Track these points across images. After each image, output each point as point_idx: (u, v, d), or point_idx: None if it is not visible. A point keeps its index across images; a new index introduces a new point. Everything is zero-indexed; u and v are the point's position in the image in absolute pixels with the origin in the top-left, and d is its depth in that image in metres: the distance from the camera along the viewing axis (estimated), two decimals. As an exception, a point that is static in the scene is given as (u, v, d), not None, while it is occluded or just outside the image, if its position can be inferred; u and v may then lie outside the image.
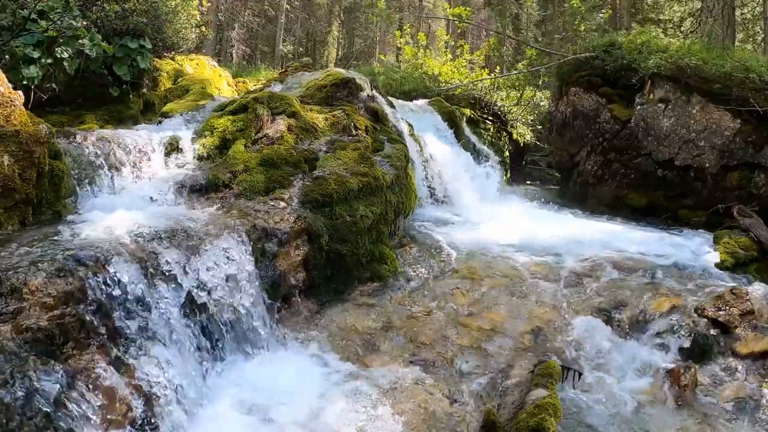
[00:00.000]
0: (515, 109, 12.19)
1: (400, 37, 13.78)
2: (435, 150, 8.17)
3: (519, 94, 12.30)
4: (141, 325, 3.21)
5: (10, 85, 3.89)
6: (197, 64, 9.60)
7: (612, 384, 3.89)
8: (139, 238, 3.62)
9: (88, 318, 2.93)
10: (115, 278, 3.17)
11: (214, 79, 9.50)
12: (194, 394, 3.33)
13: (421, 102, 10.61)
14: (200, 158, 5.38)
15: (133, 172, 4.95)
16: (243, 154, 5.27)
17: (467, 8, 13.75)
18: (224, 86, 9.86)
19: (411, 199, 6.48)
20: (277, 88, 7.54)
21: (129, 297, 3.20)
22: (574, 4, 13.20)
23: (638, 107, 8.31)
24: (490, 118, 11.75)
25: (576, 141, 9.34)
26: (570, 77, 9.48)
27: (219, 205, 4.66)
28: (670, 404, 3.72)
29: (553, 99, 10.94)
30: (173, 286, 3.51)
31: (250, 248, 4.19)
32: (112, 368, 2.93)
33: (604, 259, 5.70)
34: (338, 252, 4.84)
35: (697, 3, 14.20)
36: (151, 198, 4.67)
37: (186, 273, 3.62)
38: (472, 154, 9.57)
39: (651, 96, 8.17)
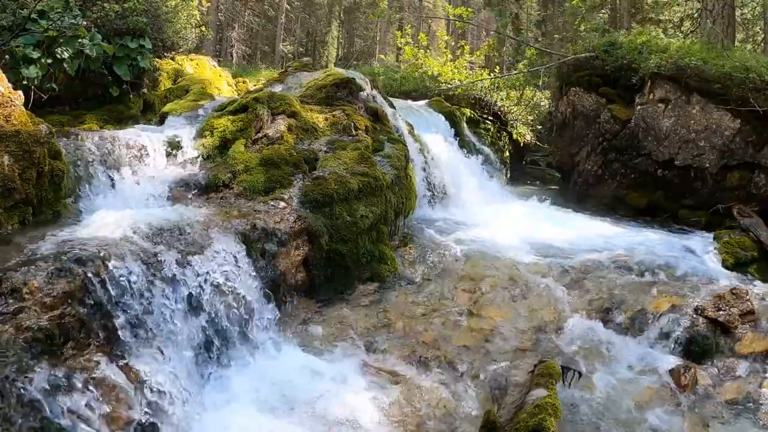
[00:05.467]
0: (515, 109, 12.19)
1: (401, 37, 13.76)
2: (435, 150, 8.16)
3: (519, 94, 12.29)
4: (141, 325, 3.21)
5: (10, 85, 3.89)
6: (197, 64, 9.60)
7: (612, 384, 3.89)
8: (139, 239, 3.62)
9: (88, 318, 2.93)
10: (115, 278, 3.17)
11: (214, 79, 9.50)
12: (195, 394, 3.32)
13: (421, 102, 10.60)
14: (200, 158, 5.37)
15: (133, 172, 4.95)
16: (243, 154, 5.27)
17: (468, 8, 13.75)
18: (224, 86, 9.87)
19: (411, 199, 6.48)
20: (277, 88, 7.53)
21: (129, 297, 3.20)
22: (575, 4, 13.20)
23: (638, 107, 8.31)
24: (490, 118, 11.75)
25: (576, 141, 9.34)
26: (570, 77, 9.48)
27: (219, 205, 4.66)
28: (670, 404, 3.72)
29: (553, 99, 10.94)
30: (173, 286, 3.50)
31: (250, 248, 4.19)
32: (112, 368, 2.93)
33: (604, 258, 5.70)
34: (338, 252, 4.84)
35: (697, 3, 14.20)
36: (161, 197, 4.67)
37: (186, 273, 3.61)
38: (472, 154, 9.56)
39: (651, 96, 8.17)
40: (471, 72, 12.86)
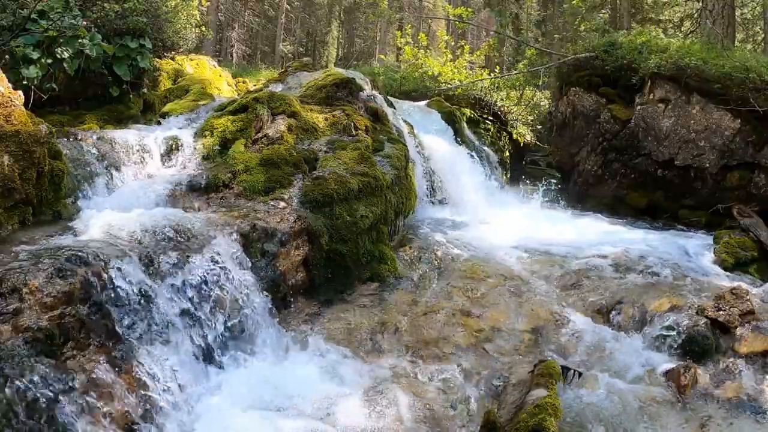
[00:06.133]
0: (515, 109, 12.19)
1: (401, 37, 13.76)
2: (435, 150, 8.16)
3: (519, 94, 12.29)
4: (141, 325, 3.21)
5: (10, 85, 3.89)
6: (197, 64, 9.60)
7: (612, 384, 3.88)
8: (139, 239, 3.62)
9: (88, 318, 2.93)
10: (115, 278, 3.17)
11: (214, 79, 9.50)
12: (195, 395, 3.33)
13: (421, 102, 10.60)
14: (200, 158, 5.38)
15: (133, 173, 4.95)
16: (243, 154, 5.27)
17: (468, 8, 13.75)
18: (224, 86, 9.86)
19: (411, 199, 6.48)
20: (277, 88, 7.54)
21: (129, 297, 3.20)
22: (575, 4, 13.20)
23: (638, 107, 8.31)
24: (490, 118, 11.75)
25: (576, 141, 9.34)
26: (570, 77, 9.47)
27: (219, 205, 4.66)
28: (670, 404, 3.72)
29: (553, 99, 10.94)
30: (173, 286, 3.51)
31: (250, 248, 4.19)
32: (111, 368, 2.93)
33: (604, 258, 5.70)
34: (338, 252, 4.84)
35: (696, 3, 14.21)
36: (161, 198, 4.67)
37: (186, 273, 3.62)
38: (472, 154, 9.56)
39: (651, 96, 8.17)
40: (471, 72, 12.86)
